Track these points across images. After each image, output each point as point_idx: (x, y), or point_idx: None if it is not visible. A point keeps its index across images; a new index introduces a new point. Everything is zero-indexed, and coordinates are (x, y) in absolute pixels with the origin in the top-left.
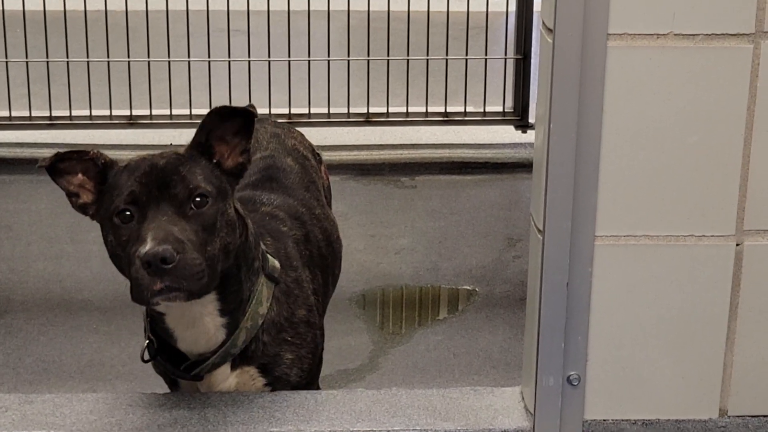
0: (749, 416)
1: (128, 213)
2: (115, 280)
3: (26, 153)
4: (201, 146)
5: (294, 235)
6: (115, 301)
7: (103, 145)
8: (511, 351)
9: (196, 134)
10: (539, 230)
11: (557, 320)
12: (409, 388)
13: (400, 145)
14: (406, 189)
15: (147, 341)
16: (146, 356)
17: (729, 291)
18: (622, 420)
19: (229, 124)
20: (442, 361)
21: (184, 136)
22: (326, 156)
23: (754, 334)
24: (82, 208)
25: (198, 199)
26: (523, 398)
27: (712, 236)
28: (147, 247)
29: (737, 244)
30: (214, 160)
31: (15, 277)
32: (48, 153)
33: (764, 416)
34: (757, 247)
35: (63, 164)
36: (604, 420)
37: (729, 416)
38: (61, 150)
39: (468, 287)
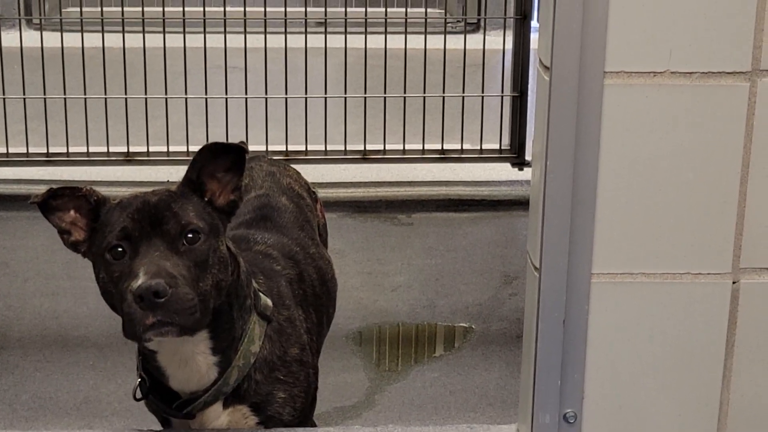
0: None
1: (120, 249)
2: (112, 316)
3: (23, 189)
4: (192, 183)
5: (287, 274)
6: (112, 338)
7: (101, 181)
8: (508, 388)
9: (188, 171)
10: (536, 268)
11: (554, 357)
12: (406, 426)
13: (397, 182)
14: (402, 226)
15: (139, 379)
16: (138, 394)
17: (725, 329)
18: None
19: (221, 161)
20: (439, 398)
21: (180, 173)
22: (323, 193)
23: (751, 372)
24: (74, 246)
25: (190, 235)
26: None
27: (709, 274)
28: (139, 281)
29: (734, 282)
30: (206, 198)
31: (11, 313)
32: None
33: None
34: (753, 284)
35: (55, 201)
36: None
37: None
38: (55, 186)
39: (464, 324)
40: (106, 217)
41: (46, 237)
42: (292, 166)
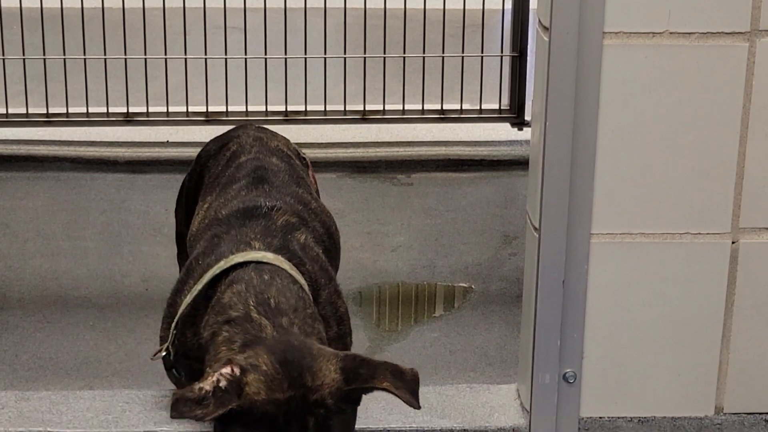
0: (745, 413)
1: None
2: (112, 277)
3: (23, 150)
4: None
5: (311, 238)
6: (112, 299)
7: (100, 142)
8: (507, 348)
9: (362, 385)
10: (535, 228)
11: (553, 317)
12: None
13: (397, 142)
14: (402, 186)
15: (164, 353)
16: (157, 357)
17: (725, 288)
18: (618, 417)
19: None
20: (439, 359)
21: (180, 134)
22: (322, 153)
23: (750, 331)
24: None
25: None
26: (519, 396)
27: (708, 234)
28: None
29: (733, 242)
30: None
31: (11, 274)
32: (44, 150)
33: (760, 413)
34: (752, 244)
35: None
36: (600, 417)
37: (725, 413)
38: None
39: (464, 284)
40: (246, 422)
41: (46, 197)
42: (290, 127)
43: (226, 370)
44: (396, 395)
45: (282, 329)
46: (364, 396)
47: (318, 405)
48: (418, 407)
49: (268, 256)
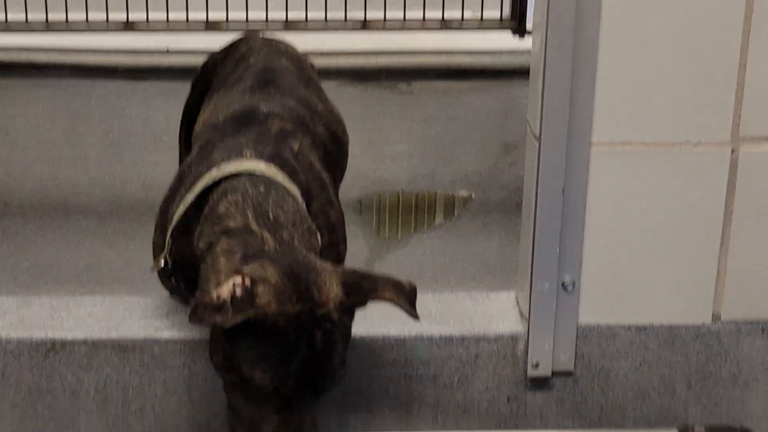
0: (742, 321)
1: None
2: (113, 185)
3: (23, 57)
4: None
5: (307, 145)
6: (113, 206)
7: (100, 50)
8: (507, 256)
9: (360, 299)
10: (535, 136)
11: (552, 226)
12: None
13: (397, 51)
14: (402, 95)
15: (162, 262)
16: (156, 268)
17: (724, 197)
18: (616, 325)
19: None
20: (438, 267)
21: (180, 42)
22: (323, 62)
23: (748, 241)
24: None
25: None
26: (517, 303)
27: (708, 143)
28: None
29: (732, 151)
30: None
31: (12, 181)
32: (44, 57)
33: (756, 321)
34: (752, 154)
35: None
36: (597, 325)
37: (722, 321)
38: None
39: (464, 193)
40: (257, 335)
41: (47, 104)
42: (291, 34)
43: (238, 280)
44: (398, 306)
45: (284, 243)
46: (366, 308)
47: (324, 319)
48: (417, 318)
49: (261, 167)
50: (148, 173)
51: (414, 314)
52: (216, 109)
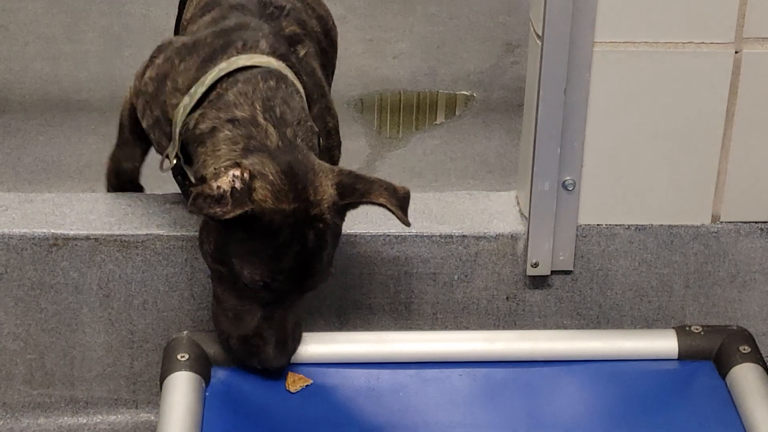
0: (741, 222)
1: (256, 294)
2: (114, 81)
3: None
4: (344, 211)
5: (311, 50)
6: (114, 103)
7: None
8: (507, 156)
9: (352, 199)
10: (538, 36)
11: (554, 126)
12: None
13: None
14: None
15: (174, 160)
16: (170, 167)
17: (726, 99)
18: (616, 225)
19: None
20: (439, 166)
21: None
22: None
23: (749, 142)
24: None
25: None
26: (518, 202)
27: (712, 43)
28: (266, 352)
29: (736, 51)
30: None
31: (12, 77)
32: None
33: (755, 222)
34: (755, 54)
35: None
36: (597, 225)
37: (721, 222)
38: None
39: (465, 92)
40: (253, 227)
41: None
42: None
43: (237, 172)
44: (390, 211)
45: (286, 139)
46: (366, 207)
47: (317, 219)
48: (408, 224)
49: (273, 63)
50: None
51: (405, 221)
52: None
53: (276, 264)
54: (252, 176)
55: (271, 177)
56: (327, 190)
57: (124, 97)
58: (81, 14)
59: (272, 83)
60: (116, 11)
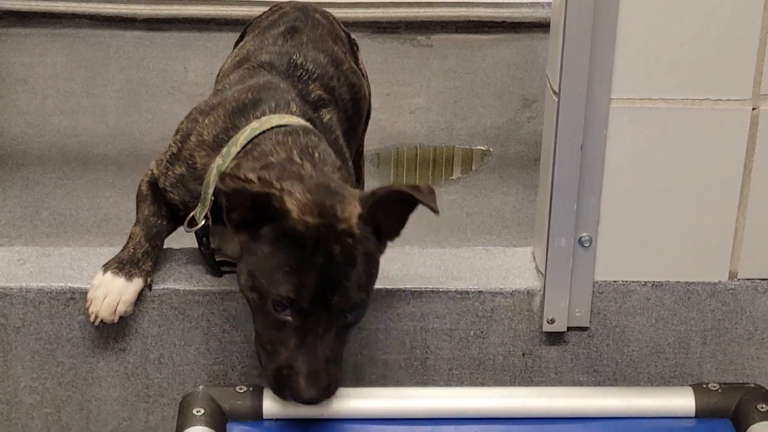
0: (758, 279)
1: (284, 315)
2: (131, 135)
3: (41, 6)
4: (370, 220)
5: (335, 117)
6: (131, 157)
7: None
8: (524, 211)
9: (370, 210)
10: (554, 92)
11: (570, 182)
12: (422, 247)
13: (417, 2)
14: (422, 48)
15: (203, 222)
16: (191, 227)
17: (743, 155)
18: (632, 281)
19: (399, 205)
20: (455, 221)
21: None
22: (342, 13)
23: (767, 199)
24: (233, 224)
25: (351, 313)
26: (534, 258)
27: (729, 100)
28: (300, 384)
29: (753, 108)
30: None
31: (31, 131)
32: (62, 7)
33: None
34: None
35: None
36: (614, 281)
37: (738, 279)
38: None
39: (482, 147)
40: (279, 240)
41: (66, 54)
42: None
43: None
44: (416, 198)
45: (322, 173)
46: (382, 262)
47: (345, 234)
48: (437, 212)
49: (302, 123)
50: (167, 124)
51: (434, 208)
52: (247, 50)
53: (300, 277)
54: (282, 191)
55: (298, 195)
56: (356, 207)
57: (143, 178)
58: (100, 69)
59: (310, 137)
60: (134, 66)
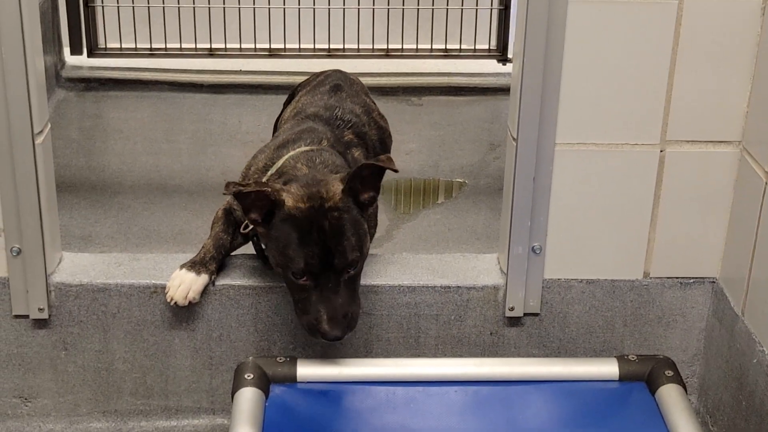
0: (665, 277)
1: (303, 280)
2: (200, 171)
3: (132, 75)
4: (352, 191)
5: (363, 154)
6: (200, 186)
7: (189, 69)
8: (491, 227)
9: (350, 181)
10: (514, 138)
11: (525, 205)
12: (415, 254)
13: (411, 73)
14: (414, 106)
15: (254, 236)
16: (244, 229)
17: (654, 186)
18: (572, 279)
19: (371, 171)
20: (440, 234)
21: (250, 64)
22: None
23: (671, 218)
24: (253, 222)
25: (352, 270)
26: (498, 262)
27: (643, 144)
28: (324, 326)
29: (661, 150)
30: (359, 199)
31: (125, 167)
32: (149, 75)
33: (676, 277)
34: (676, 153)
35: (243, 199)
36: (558, 279)
37: (651, 277)
38: (243, 186)
39: (460, 180)
40: (283, 226)
41: (150, 111)
42: (332, 60)
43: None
44: (380, 166)
45: (315, 170)
46: (386, 265)
47: (332, 210)
48: (397, 170)
49: (324, 147)
50: (225, 162)
51: (394, 169)
52: (301, 104)
53: (305, 249)
54: (280, 188)
55: (293, 189)
56: (338, 187)
57: (220, 207)
58: (176, 121)
59: (321, 153)
60: (202, 119)
